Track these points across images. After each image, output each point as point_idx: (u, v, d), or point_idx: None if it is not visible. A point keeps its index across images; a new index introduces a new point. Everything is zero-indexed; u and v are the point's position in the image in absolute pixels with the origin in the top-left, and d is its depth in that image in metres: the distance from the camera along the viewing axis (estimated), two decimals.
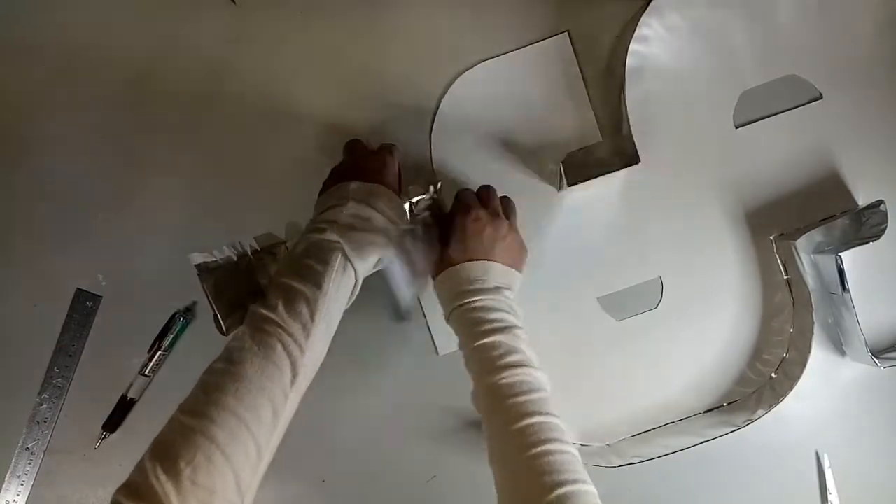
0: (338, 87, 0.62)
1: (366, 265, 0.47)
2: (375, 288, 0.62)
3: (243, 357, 0.40)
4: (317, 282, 0.44)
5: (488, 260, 0.51)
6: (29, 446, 0.63)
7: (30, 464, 0.63)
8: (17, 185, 0.63)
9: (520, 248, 0.55)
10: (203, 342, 0.63)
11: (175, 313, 0.62)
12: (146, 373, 0.62)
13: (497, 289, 0.50)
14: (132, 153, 0.63)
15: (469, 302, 0.50)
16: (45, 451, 0.63)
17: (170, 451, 0.36)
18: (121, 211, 0.63)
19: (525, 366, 0.46)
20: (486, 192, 0.56)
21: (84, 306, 0.63)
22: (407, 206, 0.55)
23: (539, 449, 0.41)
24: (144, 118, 0.63)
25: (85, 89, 0.63)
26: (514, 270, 0.53)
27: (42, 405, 0.63)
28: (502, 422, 0.44)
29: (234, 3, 0.62)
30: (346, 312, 0.61)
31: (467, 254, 0.51)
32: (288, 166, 0.63)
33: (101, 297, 0.63)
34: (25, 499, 0.63)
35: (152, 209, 0.63)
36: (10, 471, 0.63)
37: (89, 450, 0.63)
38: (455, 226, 0.53)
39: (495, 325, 0.48)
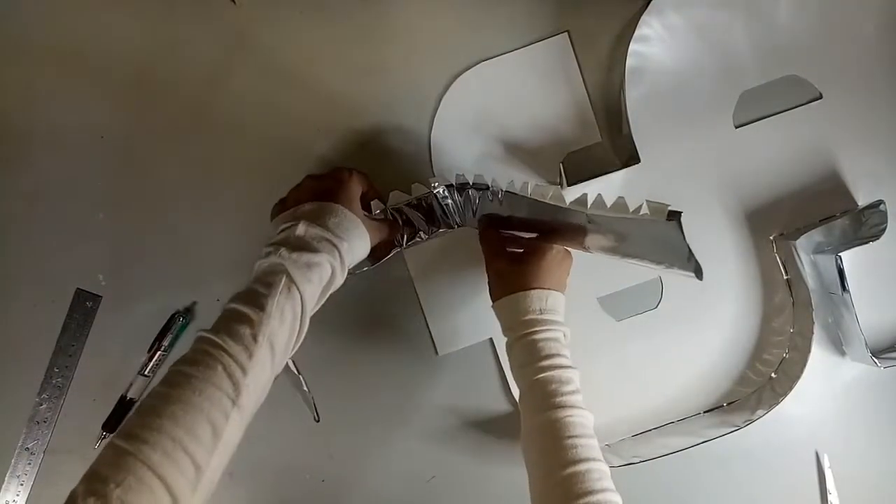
0: (338, 87, 0.62)
1: (311, 286, 0.46)
2: (376, 294, 0.63)
3: (181, 380, 0.40)
4: (260, 304, 0.44)
5: (556, 291, 0.52)
6: (29, 446, 0.63)
7: (30, 464, 0.63)
8: (16, 185, 0.63)
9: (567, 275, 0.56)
10: None
11: (175, 313, 0.62)
12: (146, 373, 0.62)
13: (562, 324, 0.51)
14: (132, 153, 0.63)
15: (536, 331, 0.50)
16: (45, 451, 0.63)
17: (100, 474, 0.37)
18: (121, 211, 0.63)
19: (583, 408, 0.47)
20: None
21: (84, 306, 0.63)
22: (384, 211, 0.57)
23: (593, 499, 0.42)
24: (144, 118, 0.62)
25: (85, 89, 0.62)
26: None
27: (42, 405, 0.63)
28: (554, 464, 0.45)
29: (234, 3, 0.62)
30: (346, 314, 0.62)
31: (538, 282, 0.52)
32: (288, 166, 0.63)
33: (101, 297, 0.63)
34: (25, 499, 0.63)
35: (152, 209, 0.63)
36: (10, 471, 0.63)
37: (89, 450, 0.63)
38: (536, 255, 0.53)
39: (561, 360, 0.49)
